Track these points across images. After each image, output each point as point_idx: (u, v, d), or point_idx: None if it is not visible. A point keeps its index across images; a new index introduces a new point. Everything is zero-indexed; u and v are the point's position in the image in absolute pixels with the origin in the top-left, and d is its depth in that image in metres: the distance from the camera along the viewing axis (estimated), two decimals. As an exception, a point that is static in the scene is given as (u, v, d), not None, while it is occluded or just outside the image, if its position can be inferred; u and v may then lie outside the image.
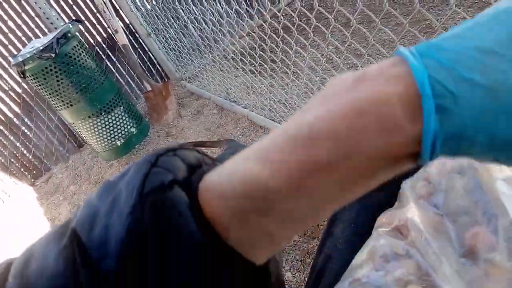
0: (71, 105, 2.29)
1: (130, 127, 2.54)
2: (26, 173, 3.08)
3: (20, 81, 2.88)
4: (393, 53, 0.24)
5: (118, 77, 3.22)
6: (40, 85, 2.23)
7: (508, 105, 0.20)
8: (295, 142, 0.23)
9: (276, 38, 1.85)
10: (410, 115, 0.21)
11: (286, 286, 1.42)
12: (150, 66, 3.33)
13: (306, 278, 1.44)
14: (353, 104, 0.22)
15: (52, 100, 2.30)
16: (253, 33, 2.70)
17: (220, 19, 2.39)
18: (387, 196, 0.55)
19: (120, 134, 2.49)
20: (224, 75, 2.74)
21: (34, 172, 3.10)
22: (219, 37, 2.65)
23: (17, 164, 3.04)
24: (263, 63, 2.20)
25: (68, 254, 0.24)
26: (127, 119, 2.52)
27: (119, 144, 2.50)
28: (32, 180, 3.10)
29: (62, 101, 2.27)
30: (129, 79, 3.30)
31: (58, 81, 2.21)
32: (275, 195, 0.23)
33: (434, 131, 0.21)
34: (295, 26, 1.57)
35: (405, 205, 0.48)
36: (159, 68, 3.38)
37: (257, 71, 2.31)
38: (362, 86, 0.23)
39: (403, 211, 0.47)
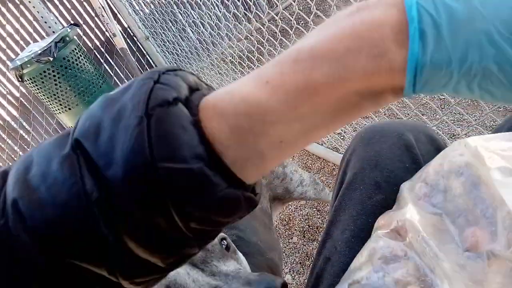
0: (69, 109, 2.28)
1: (129, 131, 2.53)
2: (24, 177, 3.07)
3: (18, 85, 2.88)
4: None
5: (117, 80, 3.22)
6: (38, 89, 2.23)
7: (482, 33, 0.21)
8: (295, 65, 0.24)
9: (274, 41, 1.85)
10: (398, 40, 0.23)
11: (285, 289, 1.42)
12: (148, 69, 3.32)
13: (306, 281, 1.44)
14: (351, 28, 0.24)
15: (50, 104, 2.29)
16: (251, 37, 2.71)
17: (218, 22, 2.40)
18: (386, 198, 0.56)
19: (118, 138, 2.48)
20: (222, 78, 2.74)
21: (32, 176, 3.10)
22: (217, 41, 2.65)
23: (15, 168, 3.03)
24: (260, 65, 2.21)
25: (72, 161, 0.25)
26: (125, 123, 2.52)
27: (117, 148, 2.50)
28: (30, 184, 3.09)
29: (61, 104, 2.27)
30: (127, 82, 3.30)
31: (56, 84, 2.21)
32: (272, 116, 0.24)
33: (417, 58, 0.22)
34: (293, 30, 1.58)
35: (403, 207, 0.48)
36: (157, 71, 3.38)
37: (255, 74, 2.32)
38: (361, 13, 0.24)
39: (402, 213, 0.47)
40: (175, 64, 3.26)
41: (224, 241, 0.64)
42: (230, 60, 2.54)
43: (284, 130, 0.25)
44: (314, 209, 1.65)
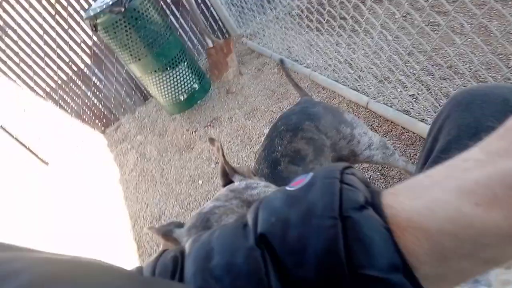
0: (139, 59, 2.37)
1: (193, 83, 2.59)
2: (97, 121, 3.32)
3: (91, 34, 3.03)
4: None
5: (181, 32, 3.25)
6: (110, 39, 2.33)
7: None
8: (509, 191, 0.22)
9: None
10: None
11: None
12: (212, 22, 3.32)
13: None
14: None
15: (121, 54, 2.39)
16: (320, -12, 2.55)
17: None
18: None
19: (183, 89, 2.56)
20: (287, 33, 2.66)
21: (104, 120, 3.34)
22: (284, -8, 2.54)
23: (89, 113, 3.28)
24: (331, 20, 2.09)
25: (257, 256, 0.25)
26: (190, 75, 2.57)
27: (182, 99, 2.58)
28: (103, 128, 3.34)
29: (131, 55, 2.36)
30: (191, 35, 3.32)
31: (127, 35, 2.29)
32: (491, 239, 0.22)
33: None
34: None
35: None
36: (221, 24, 3.36)
37: (323, 28, 2.21)
38: None
39: None
40: (238, 17, 3.20)
41: None
42: (297, 13, 2.43)
43: (498, 252, 0.23)
44: (378, 173, 1.61)
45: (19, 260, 0.21)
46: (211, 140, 0.68)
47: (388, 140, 1.70)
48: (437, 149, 0.57)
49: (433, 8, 2.14)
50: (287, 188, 0.28)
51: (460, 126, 0.56)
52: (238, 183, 0.62)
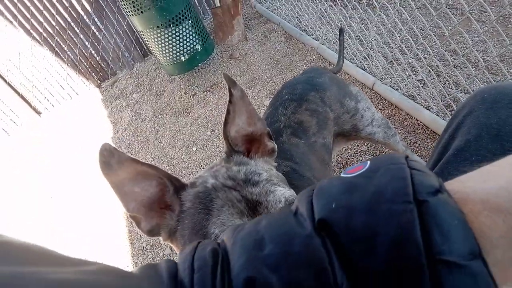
0: (142, 12, 2.25)
1: (196, 44, 2.49)
2: (93, 74, 3.22)
3: (94, -21, 2.87)
4: None
5: (188, -13, 3.09)
6: (113, -13, 2.20)
7: None
8: None
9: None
10: None
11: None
12: (221, -21, 3.14)
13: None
14: None
15: (124, 5, 2.27)
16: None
17: None
18: None
19: (185, 50, 2.45)
20: (300, 0, 2.52)
21: (101, 74, 3.23)
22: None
23: (85, 64, 3.17)
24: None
25: (317, 244, 0.23)
26: (193, 35, 2.46)
27: (183, 60, 2.48)
28: (99, 81, 3.24)
29: (134, 6, 2.23)
30: (198, -9, 3.16)
31: (131, -16, 2.16)
32: None
33: None
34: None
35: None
36: (230, -17, 3.19)
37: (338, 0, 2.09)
38: None
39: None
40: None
41: None
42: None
43: None
44: (376, 157, 1.57)
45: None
46: (231, 82, 0.63)
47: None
48: (454, 147, 0.54)
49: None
50: (343, 175, 0.26)
51: (482, 125, 0.51)
52: (236, 168, 0.58)
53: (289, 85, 1.04)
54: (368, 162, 0.26)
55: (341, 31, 1.35)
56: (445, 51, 1.79)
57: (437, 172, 0.52)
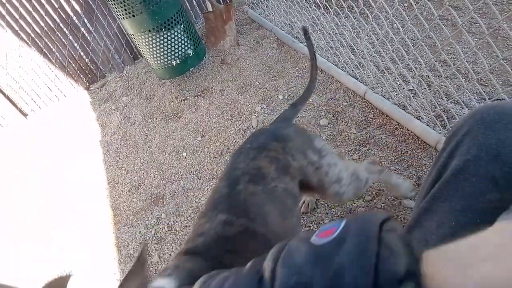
0: (133, 16, 2.22)
1: (187, 49, 2.47)
2: (82, 76, 3.17)
3: (84, -19, 2.83)
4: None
5: (180, -9, 3.07)
6: (104, -11, 2.17)
7: None
8: None
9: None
10: None
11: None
12: (214, -16, 3.14)
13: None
14: None
15: (115, 7, 2.24)
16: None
17: None
18: (502, 199, 0.47)
19: (177, 54, 2.43)
20: (291, 7, 2.53)
21: (90, 76, 3.18)
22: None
23: (74, 66, 3.11)
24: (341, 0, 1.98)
25: None
26: (185, 39, 2.44)
27: (174, 64, 2.46)
28: (87, 84, 3.19)
29: (125, 9, 2.21)
30: (190, -5, 3.14)
31: (122, -13, 2.13)
32: None
33: None
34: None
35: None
36: (223, -12, 3.19)
37: (331, 7, 2.09)
38: None
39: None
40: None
41: None
42: (304, -13, 2.30)
43: None
44: (367, 167, 1.57)
45: None
46: None
47: (380, 134, 1.66)
48: (453, 167, 0.53)
49: (451, 3, 2.05)
50: (314, 238, 0.25)
51: (481, 145, 0.51)
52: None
53: (253, 136, 1.02)
54: (343, 223, 0.26)
55: (305, 32, 1.26)
56: (435, 61, 1.81)
57: (435, 193, 0.51)
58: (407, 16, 1.65)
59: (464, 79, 1.63)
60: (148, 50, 2.42)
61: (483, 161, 0.49)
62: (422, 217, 0.51)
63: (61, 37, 2.98)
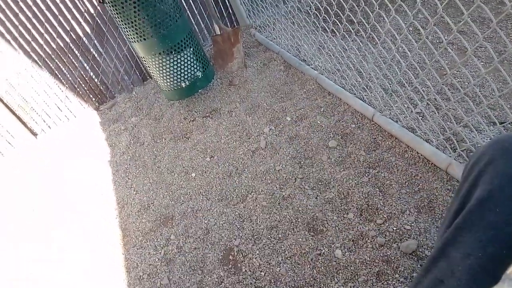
0: (144, 39, 2.28)
1: (197, 71, 2.51)
2: (92, 96, 3.22)
3: (96, 4, 2.91)
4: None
5: (189, 14, 3.15)
6: (117, 13, 2.23)
7: None
8: None
9: None
10: None
11: (335, 263, 1.40)
12: (222, 8, 3.22)
13: (356, 260, 1.41)
14: None
15: (126, 31, 2.29)
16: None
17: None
18: None
19: (186, 76, 2.48)
20: (298, 30, 2.58)
21: (99, 97, 3.23)
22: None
23: (84, 87, 3.17)
24: (348, 24, 2.03)
25: None
26: (194, 62, 2.49)
27: (183, 86, 2.50)
28: (97, 104, 3.24)
29: (136, 33, 2.26)
30: (199, 18, 3.22)
31: (135, 12, 2.19)
32: None
33: None
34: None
35: None
36: (231, 11, 3.26)
37: (338, 31, 2.14)
38: None
39: None
40: (250, 6, 3.11)
41: None
42: (313, 12, 2.36)
43: None
44: (377, 189, 1.57)
45: None
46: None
47: (390, 157, 1.67)
48: (476, 197, 0.54)
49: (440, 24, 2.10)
50: None
51: (504, 176, 0.52)
52: None
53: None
54: None
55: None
56: (443, 84, 1.83)
57: (459, 223, 0.52)
58: (415, 42, 1.68)
59: (472, 103, 1.64)
60: (157, 72, 2.47)
61: (507, 191, 0.50)
62: (447, 248, 0.52)
63: (72, 59, 3.04)
